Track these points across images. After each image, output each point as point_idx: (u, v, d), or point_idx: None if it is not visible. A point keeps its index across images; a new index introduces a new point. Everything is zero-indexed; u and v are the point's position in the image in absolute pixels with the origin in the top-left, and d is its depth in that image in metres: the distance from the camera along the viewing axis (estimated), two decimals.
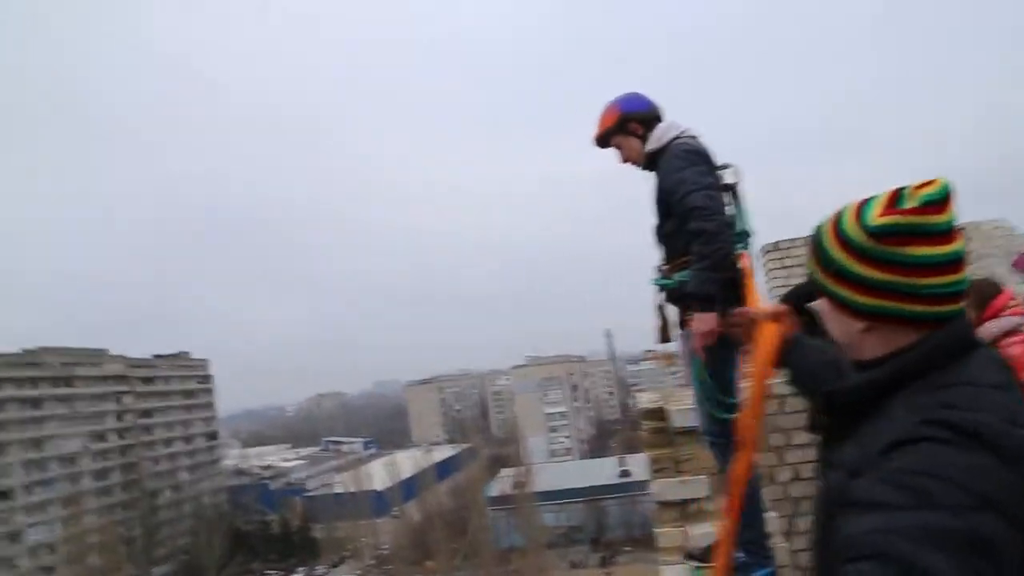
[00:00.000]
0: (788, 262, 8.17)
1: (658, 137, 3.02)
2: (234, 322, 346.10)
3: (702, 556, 3.09)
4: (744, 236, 2.95)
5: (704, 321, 2.75)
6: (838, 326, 1.15)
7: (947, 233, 1.03)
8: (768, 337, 1.76)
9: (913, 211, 1.03)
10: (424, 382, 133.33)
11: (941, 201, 1.04)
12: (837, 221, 1.12)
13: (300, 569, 58.74)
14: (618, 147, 3.17)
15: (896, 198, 1.07)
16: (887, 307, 1.06)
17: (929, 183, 1.06)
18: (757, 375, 1.82)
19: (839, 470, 1.06)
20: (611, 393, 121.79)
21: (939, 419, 0.91)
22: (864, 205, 1.09)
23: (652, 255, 3.13)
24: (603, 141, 3.21)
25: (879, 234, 1.04)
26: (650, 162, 3.06)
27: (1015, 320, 3.21)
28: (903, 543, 0.77)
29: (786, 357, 1.72)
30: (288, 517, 65.29)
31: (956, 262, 1.04)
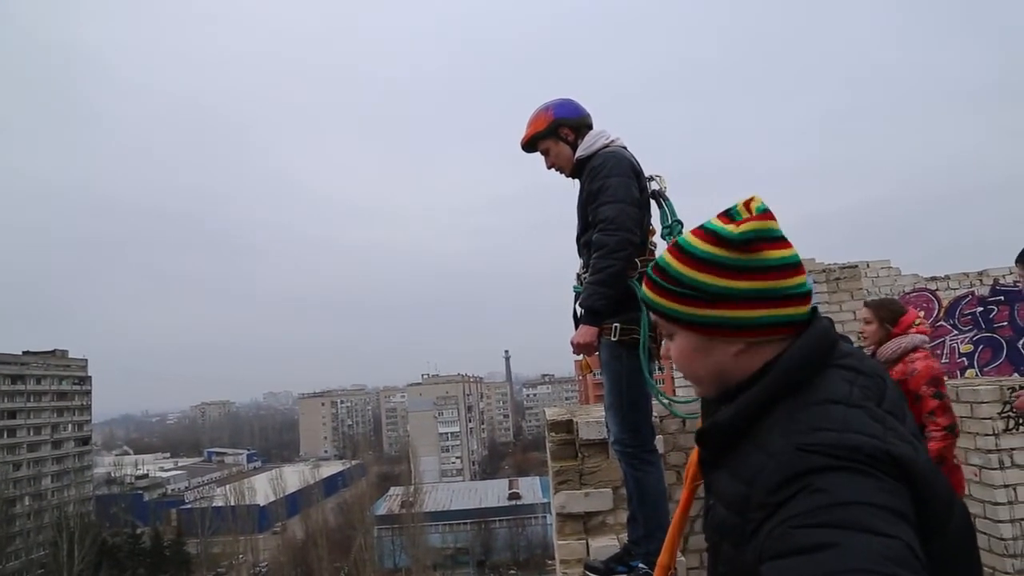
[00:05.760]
0: None
1: (588, 144, 3.00)
2: (117, 323, 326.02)
3: (602, 569, 3.06)
4: (676, 225, 2.95)
5: (583, 334, 2.77)
6: (708, 358, 1.10)
7: (786, 238, 1.07)
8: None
9: (760, 217, 1.06)
10: (317, 395, 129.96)
11: (769, 210, 1.08)
12: (682, 250, 1.10)
13: None
14: (546, 152, 3.11)
15: (729, 215, 1.11)
16: (764, 316, 1.04)
17: (751, 198, 1.12)
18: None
19: (721, 504, 1.05)
20: (506, 416, 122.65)
21: (816, 445, 0.89)
22: (708, 227, 1.09)
23: (569, 273, 3.19)
24: (531, 145, 3.14)
25: (745, 242, 1.04)
26: (577, 169, 3.05)
27: (919, 338, 3.71)
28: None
29: None
30: (161, 530, 61.80)
31: (800, 264, 1.07)
